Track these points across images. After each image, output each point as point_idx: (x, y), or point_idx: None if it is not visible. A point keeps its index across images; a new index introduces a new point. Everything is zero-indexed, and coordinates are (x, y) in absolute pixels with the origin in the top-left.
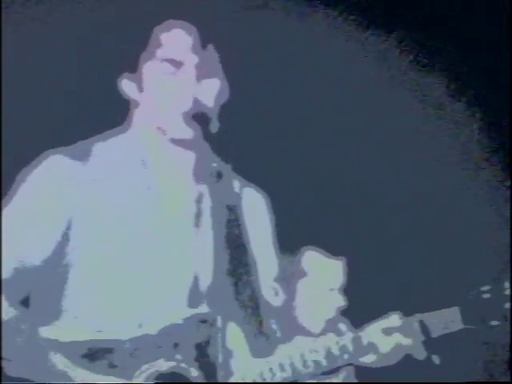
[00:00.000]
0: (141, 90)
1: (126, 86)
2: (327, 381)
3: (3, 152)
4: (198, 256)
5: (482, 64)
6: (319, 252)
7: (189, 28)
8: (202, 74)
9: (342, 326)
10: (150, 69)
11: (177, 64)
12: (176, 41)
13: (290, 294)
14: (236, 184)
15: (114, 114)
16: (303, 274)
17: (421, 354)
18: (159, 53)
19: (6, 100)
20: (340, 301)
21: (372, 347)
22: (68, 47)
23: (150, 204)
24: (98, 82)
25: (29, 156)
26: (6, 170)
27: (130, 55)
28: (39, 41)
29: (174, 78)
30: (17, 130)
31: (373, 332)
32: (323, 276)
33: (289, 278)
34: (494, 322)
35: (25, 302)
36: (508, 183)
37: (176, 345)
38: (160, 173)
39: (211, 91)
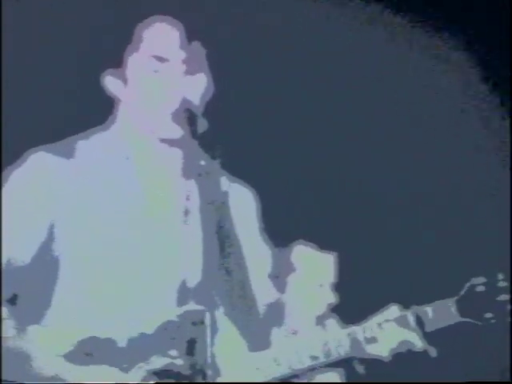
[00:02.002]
0: (125, 86)
1: (110, 82)
2: (324, 378)
3: None
4: (187, 253)
5: (488, 59)
6: (310, 246)
7: (175, 24)
8: (188, 70)
9: (333, 323)
10: (135, 65)
11: (162, 60)
12: (161, 37)
13: (280, 289)
14: (224, 181)
15: (98, 110)
16: (293, 269)
17: (418, 347)
18: (144, 49)
19: None
20: (330, 297)
21: (369, 341)
22: (52, 44)
23: (134, 201)
24: (83, 79)
25: (12, 154)
26: None
27: (115, 51)
28: (21, 38)
29: (160, 74)
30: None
31: (369, 326)
32: (314, 271)
33: (279, 273)
34: (489, 315)
35: (12, 302)
36: (507, 177)
37: (171, 342)
38: (145, 170)
39: (198, 88)
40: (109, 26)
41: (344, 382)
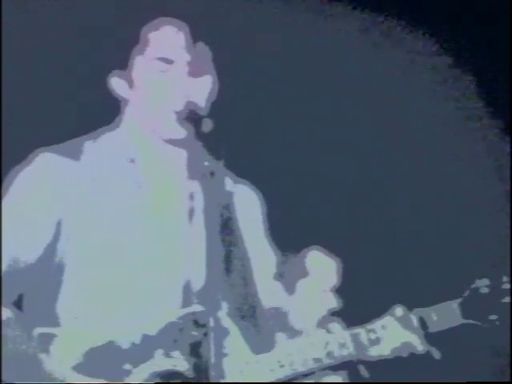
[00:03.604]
0: (131, 87)
1: (116, 83)
2: (327, 380)
3: None
4: (191, 255)
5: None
6: (319, 250)
7: (180, 25)
8: (193, 71)
9: (336, 325)
10: (141, 66)
11: (168, 62)
12: (167, 38)
13: (288, 291)
14: (228, 181)
15: (105, 111)
16: (306, 273)
17: (420, 349)
18: (150, 50)
19: None
20: (333, 302)
21: (373, 343)
22: (59, 44)
23: (140, 202)
24: (89, 80)
25: (19, 154)
26: None
27: (122, 53)
28: (28, 39)
29: (165, 76)
30: (7, 129)
31: (373, 328)
32: (324, 277)
33: (290, 277)
34: (493, 317)
35: (17, 303)
36: (508, 177)
37: (173, 344)
38: (150, 171)
39: (203, 89)
40: (115, 28)
41: (348, 382)
